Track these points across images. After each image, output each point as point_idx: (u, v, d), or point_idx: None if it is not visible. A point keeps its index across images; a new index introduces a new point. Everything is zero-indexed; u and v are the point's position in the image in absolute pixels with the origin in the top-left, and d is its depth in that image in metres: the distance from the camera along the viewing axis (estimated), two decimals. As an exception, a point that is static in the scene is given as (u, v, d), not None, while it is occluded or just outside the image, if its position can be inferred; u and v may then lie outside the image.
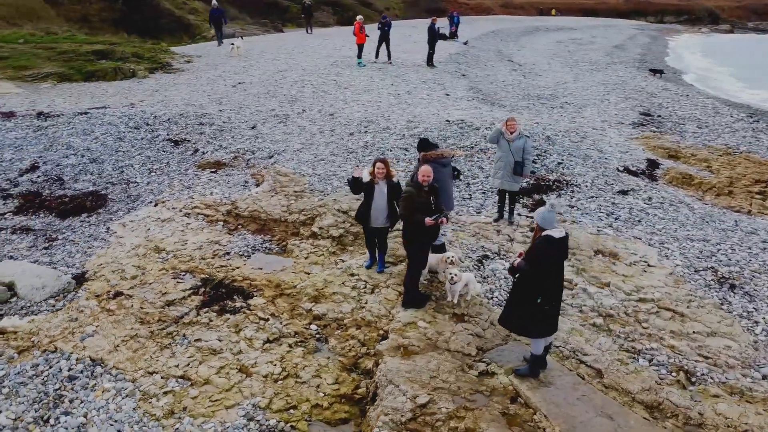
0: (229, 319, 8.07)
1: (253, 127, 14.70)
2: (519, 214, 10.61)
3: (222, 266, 9.43)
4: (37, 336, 7.85)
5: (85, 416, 6.53)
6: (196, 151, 13.73)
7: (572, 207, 10.97)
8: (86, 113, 15.26)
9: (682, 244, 9.87)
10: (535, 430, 5.88)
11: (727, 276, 8.95)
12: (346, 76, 20.51)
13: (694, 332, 7.65)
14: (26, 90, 19.09)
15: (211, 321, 8.04)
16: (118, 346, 7.61)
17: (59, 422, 6.46)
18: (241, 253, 9.93)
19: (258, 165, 12.90)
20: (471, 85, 20.54)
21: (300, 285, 8.77)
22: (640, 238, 9.94)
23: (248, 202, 11.19)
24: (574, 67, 31.80)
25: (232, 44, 24.79)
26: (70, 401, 6.77)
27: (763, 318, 8.00)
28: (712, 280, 8.86)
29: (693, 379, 6.92)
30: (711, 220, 10.86)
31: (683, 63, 41.63)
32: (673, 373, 6.97)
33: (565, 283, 8.49)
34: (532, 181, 11.88)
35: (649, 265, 9.10)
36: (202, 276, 9.14)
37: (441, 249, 8.78)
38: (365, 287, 8.60)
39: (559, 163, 12.68)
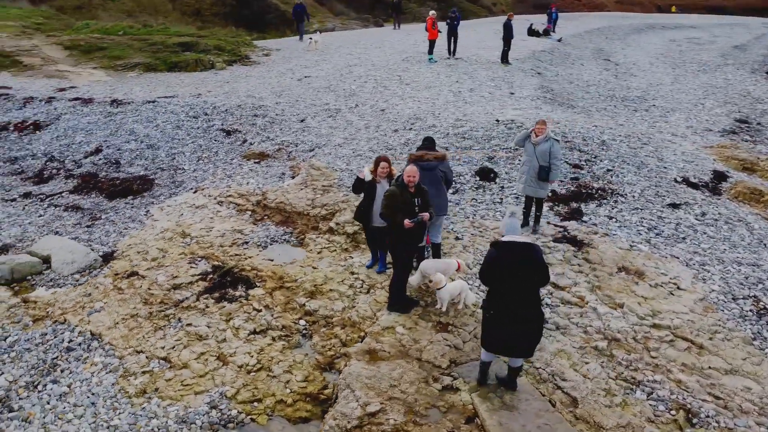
0: (224, 307, 8.23)
1: (302, 120, 14.93)
2: (549, 223, 9.95)
3: (236, 255, 9.64)
4: (53, 307, 8.43)
5: (69, 386, 6.92)
6: (245, 141, 14.16)
7: (611, 218, 10.13)
8: (154, 102, 16.20)
9: (727, 267, 8.81)
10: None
11: (772, 307, 7.89)
12: (413, 72, 20.30)
13: (709, 367, 6.80)
14: (114, 78, 20.63)
15: (207, 307, 8.23)
16: (117, 323, 8.00)
17: (45, 389, 6.88)
18: (259, 243, 10.10)
19: (298, 158, 13.08)
20: (542, 84, 19.58)
21: (301, 279, 8.77)
22: (677, 258, 8.99)
23: (277, 194, 11.37)
24: (678, 68, 29.41)
25: (310, 38, 25.35)
26: (62, 371, 7.20)
27: (802, 360, 6.97)
28: (750, 310, 7.83)
29: (694, 421, 6.14)
30: (772, 243, 9.63)
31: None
32: (672, 411, 6.23)
33: (576, 300, 7.97)
34: (572, 188, 11.12)
35: (678, 288, 8.20)
36: (215, 263, 9.38)
37: (437, 249, 8.46)
38: (362, 287, 8.45)
39: (608, 170, 11.76)
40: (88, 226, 11.11)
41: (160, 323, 7.98)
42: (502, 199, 10.87)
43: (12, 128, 15.34)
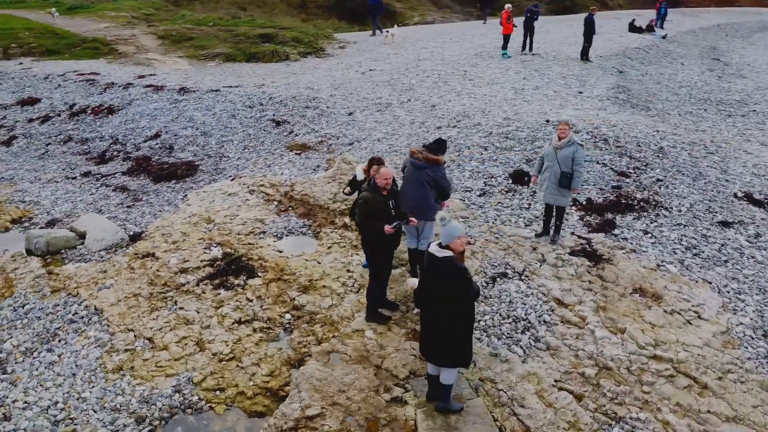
0: (219, 294, 8.39)
1: (350, 114, 14.91)
2: (573, 234, 9.23)
3: (249, 244, 9.79)
4: (71, 280, 9.01)
5: (59, 356, 7.35)
6: (291, 132, 14.37)
7: (646, 233, 9.21)
8: (217, 91, 16.88)
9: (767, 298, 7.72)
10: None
11: (811, 350, 6.80)
12: (480, 68, 19.64)
13: (708, 411, 5.99)
14: (194, 67, 21.74)
15: (203, 293, 8.43)
16: (120, 301, 8.40)
17: (38, 356, 7.36)
18: (276, 233, 10.20)
19: (336, 151, 13.08)
20: (619, 84, 18.19)
21: (299, 272, 8.74)
22: (709, 283, 8.00)
23: (304, 186, 11.42)
24: (803, 71, 26.34)
25: (387, 31, 25.27)
26: (59, 341, 7.66)
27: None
28: (780, 351, 6.81)
29: (672, 470, 5.44)
30: (837, 275, 8.31)
31: None
32: (648, 456, 5.56)
33: (577, 319, 7.34)
34: (611, 197, 10.23)
35: (698, 317, 7.29)
36: (228, 250, 9.59)
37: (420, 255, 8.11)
38: (353, 285, 8.28)
39: (657, 180, 10.69)
40: (128, 207, 11.77)
41: (157, 304, 8.28)
42: (530, 204, 10.22)
43: (89, 111, 16.61)
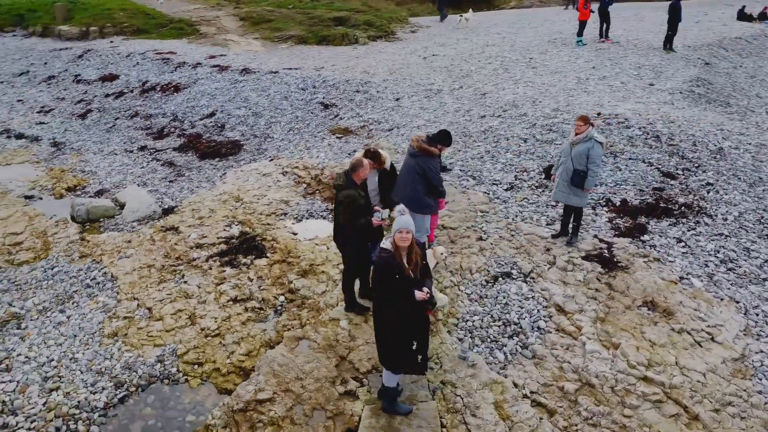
0: (224, 271, 8.61)
1: (397, 99, 14.70)
2: (596, 237, 8.59)
3: (268, 224, 9.94)
4: (98, 247, 9.58)
5: (68, 317, 7.87)
6: (337, 116, 14.40)
7: (679, 241, 8.39)
8: (276, 72, 17.22)
9: (803, 326, 6.80)
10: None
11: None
12: (549, 55, 18.67)
13: (692, 445, 5.40)
14: (266, 49, 22.30)
15: (210, 269, 8.68)
16: (134, 270, 8.84)
17: (50, 316, 7.91)
18: (297, 215, 10.30)
19: (376, 136, 12.96)
20: (700, 77, 16.60)
21: (304, 256, 8.78)
22: (737, 302, 7.16)
23: (333, 170, 11.42)
24: None
25: (461, 16, 24.62)
26: (73, 303, 8.20)
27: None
28: (800, 387, 5.99)
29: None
30: None
31: None
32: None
33: (573, 329, 6.88)
34: (650, 200, 9.40)
35: (711, 339, 6.56)
36: (246, 229, 9.81)
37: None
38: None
39: (707, 184, 9.67)
40: (170, 181, 12.33)
41: (166, 276, 8.63)
42: (557, 202, 9.61)
43: (158, 89, 17.51)
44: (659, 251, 8.20)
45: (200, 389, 6.63)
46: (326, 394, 5.81)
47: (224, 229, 9.82)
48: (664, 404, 5.80)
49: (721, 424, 5.58)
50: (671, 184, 9.79)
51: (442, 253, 7.31)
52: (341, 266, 8.49)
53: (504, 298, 7.48)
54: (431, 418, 5.38)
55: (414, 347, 5.34)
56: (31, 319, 7.87)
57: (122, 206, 11.14)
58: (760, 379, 6.10)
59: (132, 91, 17.90)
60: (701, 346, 6.50)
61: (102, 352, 7.09)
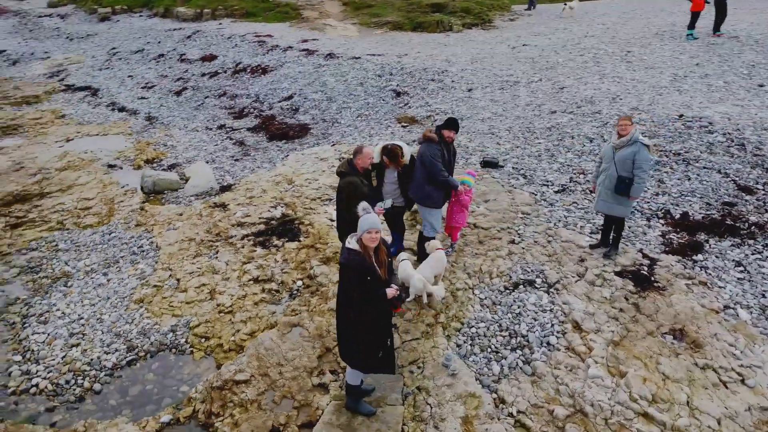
0: (255, 251, 8.86)
1: (469, 90, 14.23)
2: (641, 252, 7.81)
3: (310, 209, 10.09)
4: (153, 218, 10.24)
5: (108, 280, 8.51)
6: (406, 104, 14.24)
7: (738, 265, 7.41)
8: (358, 58, 17.31)
9: None
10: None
11: None
12: (651, 48, 17.12)
13: (680, 496, 4.79)
14: (360, 34, 22.49)
15: (242, 247, 8.98)
16: (177, 242, 9.35)
17: (93, 277, 8.60)
18: (341, 202, 10.34)
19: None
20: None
21: (331, 243, 8.80)
22: (788, 342, 6.21)
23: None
24: None
25: (565, 4, 23.27)
26: (116, 268, 8.85)
27: None
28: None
29: None
30: None
31: None
32: None
33: (584, 350, 6.36)
34: (715, 215, 8.38)
35: (741, 381, 5.74)
36: (288, 212, 10.03)
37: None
38: (368, 265, 8.09)
39: (792, 203, 8.43)
40: (236, 160, 12.87)
41: (202, 251, 9.05)
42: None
43: (248, 70, 18.29)
44: (709, 274, 7.29)
45: (201, 362, 6.90)
46: (300, 383, 5.81)
47: (268, 210, 10.10)
48: (662, 446, 5.18)
49: (724, 480, 4.89)
50: (746, 200, 8.64)
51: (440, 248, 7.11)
52: (363, 257, 8.46)
53: (519, 307, 7.03)
54: (393, 423, 5.20)
55: (388, 345, 5.21)
56: (78, 279, 8.60)
57: (187, 180, 11.81)
58: (789, 433, 5.26)
59: (225, 72, 18.85)
60: (726, 387, 5.71)
61: (125, 316, 7.60)
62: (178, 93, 17.94)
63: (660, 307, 6.69)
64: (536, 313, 6.95)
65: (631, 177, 7.16)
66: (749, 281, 7.15)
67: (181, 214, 10.25)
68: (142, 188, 11.57)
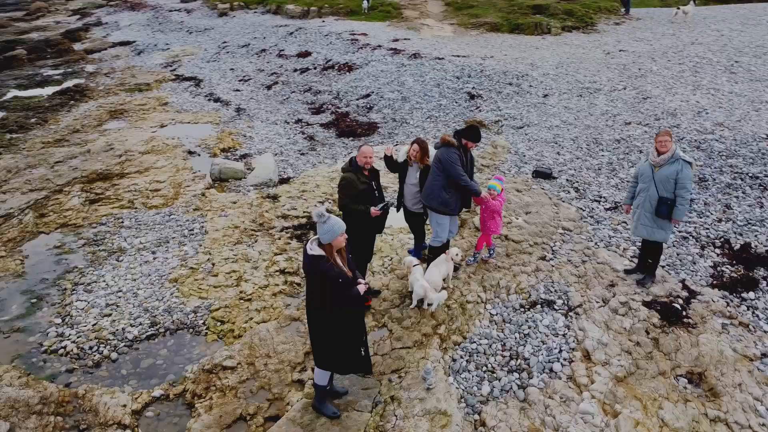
0: (289, 244, 9.12)
1: (545, 96, 13.60)
2: (681, 282, 7.11)
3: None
4: (210, 204, 10.84)
5: (154, 258, 9.14)
6: (478, 107, 13.91)
7: (794, 311, 6.53)
8: (440, 59, 17.15)
9: None
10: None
11: None
12: (765, 60, 15.36)
13: None
14: (455, 34, 22.26)
15: (279, 239, 9.27)
16: (223, 228, 9.84)
17: (143, 254, 9.27)
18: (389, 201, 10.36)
19: (505, 133, 12.25)
20: None
21: (362, 243, 8.84)
22: (830, 404, 5.36)
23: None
24: None
25: (679, 8, 21.48)
26: (165, 248, 9.48)
27: None
28: None
29: None
30: None
31: None
32: None
33: (585, 381, 5.95)
34: (784, 251, 7.40)
35: (755, 440, 5.06)
36: (333, 207, 10.21)
37: (436, 252, 7.28)
38: (388, 265, 8.05)
39: None
40: (302, 154, 13.27)
41: (243, 239, 9.46)
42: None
43: (336, 68, 18.76)
44: (756, 315, 6.47)
45: (212, 345, 7.21)
46: (281, 377, 5.92)
47: (315, 205, 10.33)
48: (638, 498, 4.70)
49: None
50: (828, 236, 7.55)
51: (457, 254, 6.92)
52: (386, 257, 8.43)
53: (529, 328, 6.66)
54: (354, 430, 5.15)
55: (364, 341, 5.23)
56: (129, 255, 9.31)
57: (251, 170, 12.37)
58: None
59: (315, 68, 19.47)
60: (736, 444, 5.06)
61: (157, 293, 8.13)
62: (269, 87, 18.79)
63: (682, 345, 6.06)
64: (546, 336, 6.55)
65: (672, 198, 6.54)
66: (799, 332, 6.26)
67: (235, 202, 10.76)
68: (210, 175, 12.28)
